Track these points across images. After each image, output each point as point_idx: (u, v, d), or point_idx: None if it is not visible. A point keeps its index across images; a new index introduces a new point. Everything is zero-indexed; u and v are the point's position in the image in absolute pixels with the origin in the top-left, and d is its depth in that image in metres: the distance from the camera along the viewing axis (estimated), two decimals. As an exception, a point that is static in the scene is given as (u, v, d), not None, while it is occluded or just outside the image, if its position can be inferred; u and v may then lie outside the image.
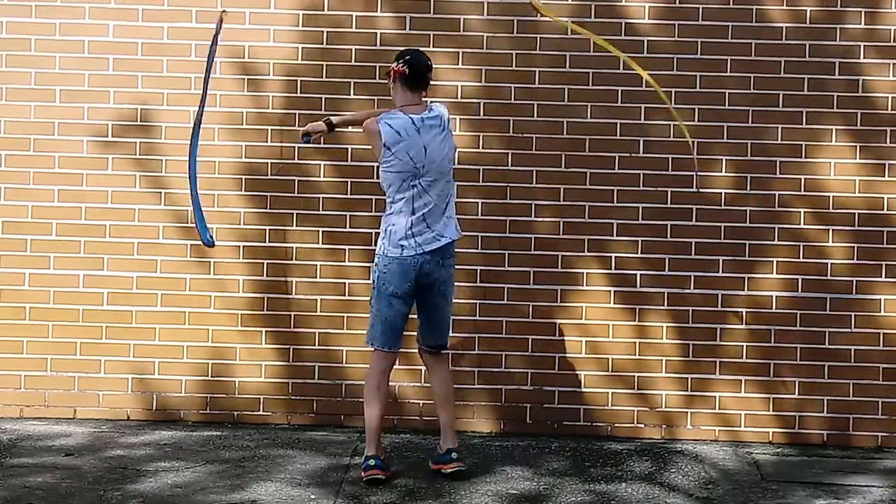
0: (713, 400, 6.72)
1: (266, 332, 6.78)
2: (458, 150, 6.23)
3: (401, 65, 5.68)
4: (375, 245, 6.70)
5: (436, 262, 5.68)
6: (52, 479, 5.59)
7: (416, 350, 5.99)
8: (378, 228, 6.69)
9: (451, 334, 5.95)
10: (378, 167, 5.77)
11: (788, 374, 6.71)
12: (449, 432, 5.82)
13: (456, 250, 5.86)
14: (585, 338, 6.73)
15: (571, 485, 5.76)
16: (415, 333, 5.87)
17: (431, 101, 5.86)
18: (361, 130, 5.90)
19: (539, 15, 6.22)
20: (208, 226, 5.89)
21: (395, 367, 6.71)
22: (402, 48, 6.65)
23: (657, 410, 6.73)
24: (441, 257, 5.70)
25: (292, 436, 6.54)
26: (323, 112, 6.69)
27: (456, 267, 5.91)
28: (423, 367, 6.67)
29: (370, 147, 5.88)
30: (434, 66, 6.70)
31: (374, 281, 5.77)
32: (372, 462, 5.63)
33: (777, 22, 6.73)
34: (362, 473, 5.63)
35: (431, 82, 5.86)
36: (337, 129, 6.03)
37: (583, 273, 6.73)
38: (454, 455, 5.76)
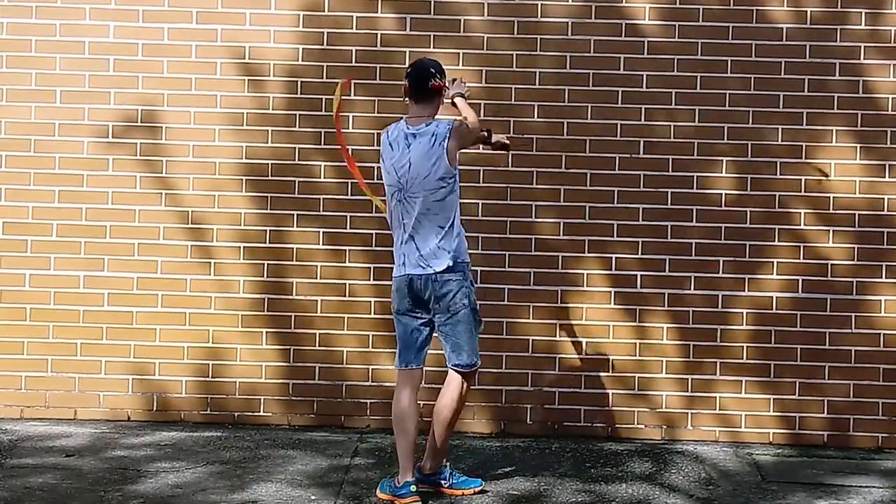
0: (713, 401, 6.72)
1: (266, 332, 6.78)
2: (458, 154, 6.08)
3: (405, 79, 5.52)
4: (376, 246, 6.75)
5: (429, 282, 5.41)
6: (52, 480, 5.59)
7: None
8: (378, 230, 6.73)
9: (469, 357, 5.47)
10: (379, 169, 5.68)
11: (789, 374, 6.71)
12: (429, 453, 5.59)
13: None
14: (586, 338, 6.73)
15: (571, 485, 5.76)
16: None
17: (438, 120, 5.53)
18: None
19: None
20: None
21: (395, 367, 6.75)
22: (402, 49, 6.68)
23: (657, 411, 6.73)
24: (434, 280, 5.41)
25: (292, 436, 6.54)
26: (323, 113, 6.71)
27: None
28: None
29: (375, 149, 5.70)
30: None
31: None
32: (413, 488, 5.40)
33: (778, 22, 6.73)
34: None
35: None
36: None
37: (583, 274, 6.73)
38: (413, 488, 5.38)
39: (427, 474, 5.61)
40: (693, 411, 6.72)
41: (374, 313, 6.75)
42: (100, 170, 6.77)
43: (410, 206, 5.42)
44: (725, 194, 6.72)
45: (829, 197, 6.70)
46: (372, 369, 6.77)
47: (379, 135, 6.68)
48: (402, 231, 5.47)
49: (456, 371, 5.51)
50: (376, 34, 6.75)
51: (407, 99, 5.54)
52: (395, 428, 5.46)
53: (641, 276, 6.73)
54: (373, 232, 6.75)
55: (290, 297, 6.77)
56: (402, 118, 5.58)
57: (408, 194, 5.42)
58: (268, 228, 6.78)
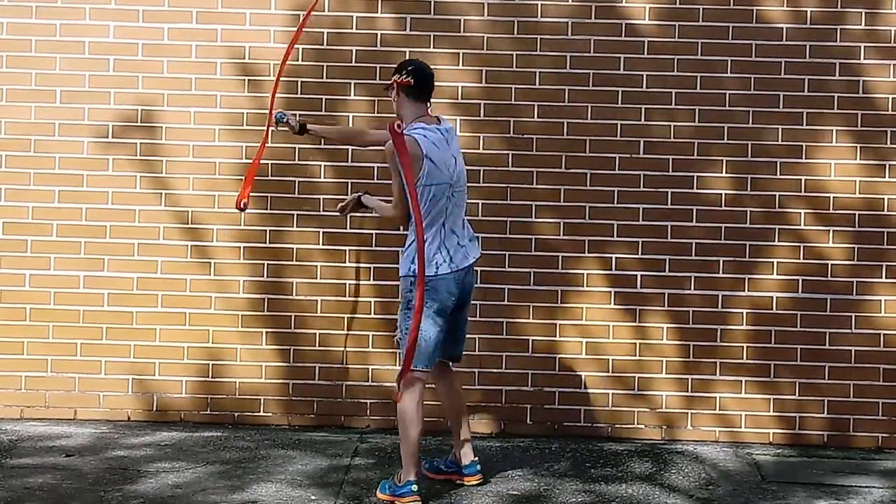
0: (713, 401, 6.72)
1: (266, 332, 6.78)
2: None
3: (404, 76, 5.45)
4: (376, 246, 6.74)
5: (471, 272, 5.56)
6: (52, 480, 5.59)
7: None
8: (379, 230, 6.73)
9: None
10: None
11: (789, 374, 6.71)
12: (470, 445, 5.76)
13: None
14: (586, 339, 6.73)
15: (571, 485, 5.76)
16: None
17: (437, 115, 5.66)
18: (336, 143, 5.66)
19: None
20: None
21: (396, 367, 6.76)
22: (402, 49, 6.68)
23: (657, 411, 6.73)
24: (472, 268, 5.60)
25: (292, 436, 6.54)
26: (323, 113, 6.71)
27: None
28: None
29: (387, 164, 5.48)
30: (434, 67, 6.72)
31: (407, 301, 5.39)
32: (415, 487, 5.43)
33: (777, 22, 6.73)
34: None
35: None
36: (309, 134, 5.95)
37: (583, 274, 6.74)
38: (479, 467, 5.76)
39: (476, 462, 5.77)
40: (693, 411, 6.72)
41: (374, 313, 6.75)
42: (100, 170, 6.77)
43: (457, 201, 5.51)
44: (725, 194, 6.72)
45: (828, 197, 6.70)
46: (372, 369, 6.77)
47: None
48: (443, 227, 5.45)
49: (454, 362, 5.75)
50: (376, 34, 6.75)
51: (397, 96, 5.50)
52: (404, 427, 5.41)
53: (641, 276, 6.73)
54: (373, 232, 6.76)
55: (290, 297, 6.76)
56: (415, 123, 5.48)
57: (455, 189, 5.48)
58: (267, 228, 6.77)
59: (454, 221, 5.49)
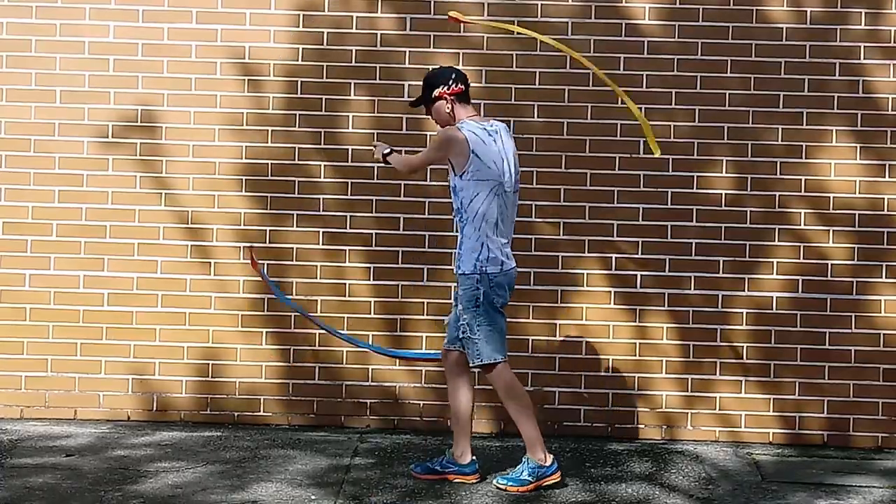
0: (713, 400, 6.72)
1: (266, 332, 6.78)
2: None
3: (454, 86, 5.63)
4: (376, 246, 6.73)
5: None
6: (52, 480, 5.59)
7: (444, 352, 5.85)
8: (378, 230, 6.73)
9: None
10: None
11: (789, 374, 6.71)
12: (471, 444, 5.88)
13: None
14: (586, 338, 6.73)
15: (572, 485, 5.75)
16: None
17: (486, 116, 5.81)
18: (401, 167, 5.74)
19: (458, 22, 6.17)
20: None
21: (396, 366, 6.77)
22: (402, 49, 6.69)
23: (657, 411, 6.73)
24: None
25: (292, 436, 6.54)
26: (323, 113, 6.71)
27: None
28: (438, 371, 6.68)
29: (439, 161, 5.64)
30: (435, 67, 6.73)
31: (475, 299, 5.56)
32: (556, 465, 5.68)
33: (778, 22, 6.73)
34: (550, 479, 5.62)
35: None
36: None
37: (583, 274, 6.73)
38: (478, 465, 5.85)
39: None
40: (693, 411, 6.72)
41: (374, 313, 6.75)
42: (100, 170, 6.77)
43: (508, 200, 5.63)
44: (725, 194, 6.72)
45: (828, 197, 6.70)
46: (372, 369, 6.77)
47: (378, 134, 6.71)
48: (501, 225, 5.62)
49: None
50: (376, 34, 6.75)
51: (449, 105, 5.62)
52: (519, 409, 5.62)
53: (641, 276, 6.73)
54: (373, 232, 6.76)
55: (290, 296, 6.76)
56: (465, 120, 5.64)
57: (506, 188, 5.60)
58: (267, 228, 6.77)
59: (509, 222, 5.66)
